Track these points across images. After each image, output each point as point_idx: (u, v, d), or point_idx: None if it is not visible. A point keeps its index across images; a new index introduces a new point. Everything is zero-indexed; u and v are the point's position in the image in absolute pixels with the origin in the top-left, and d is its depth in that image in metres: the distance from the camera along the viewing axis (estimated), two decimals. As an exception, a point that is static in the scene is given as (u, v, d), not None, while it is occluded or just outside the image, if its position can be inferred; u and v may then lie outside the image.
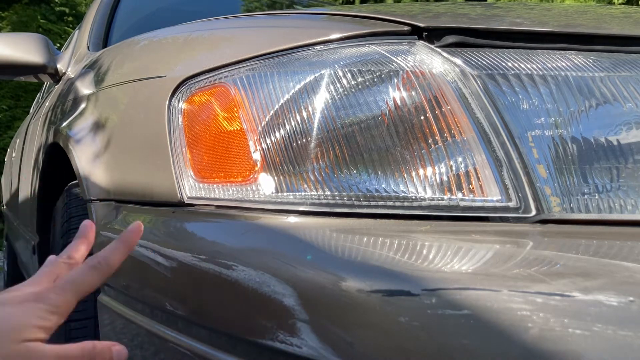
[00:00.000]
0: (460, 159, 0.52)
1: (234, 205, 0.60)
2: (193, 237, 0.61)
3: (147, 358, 0.64)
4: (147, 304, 0.65)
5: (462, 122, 0.52)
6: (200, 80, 0.68)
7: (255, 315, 0.48)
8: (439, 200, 0.52)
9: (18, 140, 2.60)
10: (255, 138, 0.59)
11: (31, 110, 2.89)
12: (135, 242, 0.53)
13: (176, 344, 0.58)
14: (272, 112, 0.59)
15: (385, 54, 0.57)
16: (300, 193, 0.56)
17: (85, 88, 1.13)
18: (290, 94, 0.59)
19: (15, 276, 2.71)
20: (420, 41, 0.58)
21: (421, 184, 0.52)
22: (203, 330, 0.55)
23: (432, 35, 0.58)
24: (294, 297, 0.46)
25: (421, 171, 0.53)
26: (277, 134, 0.58)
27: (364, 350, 0.41)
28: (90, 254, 0.52)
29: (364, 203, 0.53)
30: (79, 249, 0.52)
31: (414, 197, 0.52)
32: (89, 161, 0.89)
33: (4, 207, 3.03)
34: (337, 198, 0.54)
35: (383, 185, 0.53)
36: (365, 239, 0.48)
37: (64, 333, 0.89)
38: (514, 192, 0.50)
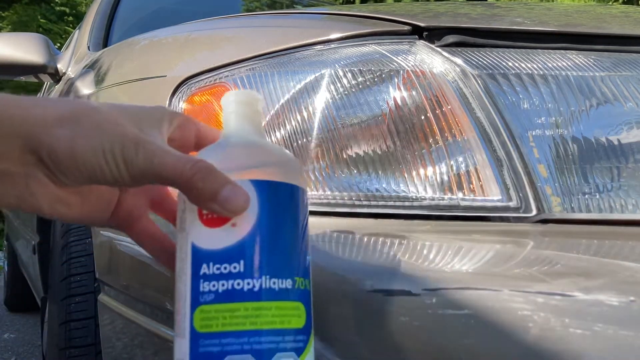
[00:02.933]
0: (460, 159, 0.52)
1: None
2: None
3: (147, 358, 0.64)
4: (147, 304, 0.65)
5: (463, 121, 0.52)
6: (201, 80, 0.68)
7: (256, 315, 0.48)
8: (440, 200, 0.51)
9: (18, 140, 2.59)
10: (256, 138, 0.59)
11: (31, 110, 2.87)
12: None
13: (176, 344, 0.58)
14: (272, 111, 0.59)
15: (386, 53, 0.57)
16: (300, 193, 0.56)
17: (85, 88, 1.13)
18: (291, 93, 0.58)
19: (16, 276, 2.71)
20: (421, 41, 0.58)
21: (422, 183, 0.52)
22: (203, 330, 0.55)
23: (432, 34, 0.58)
24: (294, 297, 0.45)
25: (422, 171, 0.52)
26: (278, 134, 0.58)
27: (364, 350, 0.41)
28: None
29: (365, 203, 0.53)
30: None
31: (414, 197, 0.52)
32: (89, 161, 0.89)
33: (4, 207, 3.02)
34: (338, 198, 0.54)
35: (384, 185, 0.53)
36: (365, 239, 0.48)
37: (64, 333, 0.89)
38: (515, 192, 0.50)
